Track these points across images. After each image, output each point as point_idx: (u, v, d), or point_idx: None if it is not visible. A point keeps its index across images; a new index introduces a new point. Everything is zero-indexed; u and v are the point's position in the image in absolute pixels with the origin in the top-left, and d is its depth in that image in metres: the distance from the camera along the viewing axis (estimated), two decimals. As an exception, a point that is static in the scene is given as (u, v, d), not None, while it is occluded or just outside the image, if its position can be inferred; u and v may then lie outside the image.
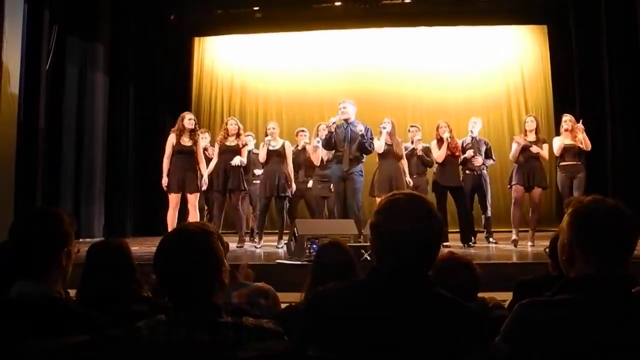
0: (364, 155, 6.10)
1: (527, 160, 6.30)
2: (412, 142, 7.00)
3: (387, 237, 1.37)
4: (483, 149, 6.75)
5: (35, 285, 1.66)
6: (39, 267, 1.68)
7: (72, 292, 2.17)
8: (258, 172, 7.08)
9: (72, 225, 1.79)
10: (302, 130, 6.99)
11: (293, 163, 6.79)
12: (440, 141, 6.57)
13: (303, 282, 3.83)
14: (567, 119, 6.43)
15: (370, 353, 1.27)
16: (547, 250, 2.51)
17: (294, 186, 6.71)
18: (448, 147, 6.46)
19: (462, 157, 6.60)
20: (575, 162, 6.24)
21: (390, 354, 1.26)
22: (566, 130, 6.33)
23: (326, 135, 6.10)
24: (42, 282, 1.67)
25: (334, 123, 6.12)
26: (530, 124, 6.48)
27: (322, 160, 6.53)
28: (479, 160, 6.59)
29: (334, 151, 6.04)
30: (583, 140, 6.20)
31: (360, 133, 5.96)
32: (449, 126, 6.61)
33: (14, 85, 7.01)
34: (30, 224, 1.71)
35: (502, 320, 1.77)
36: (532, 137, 6.40)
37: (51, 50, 7.63)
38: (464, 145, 6.71)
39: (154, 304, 2.25)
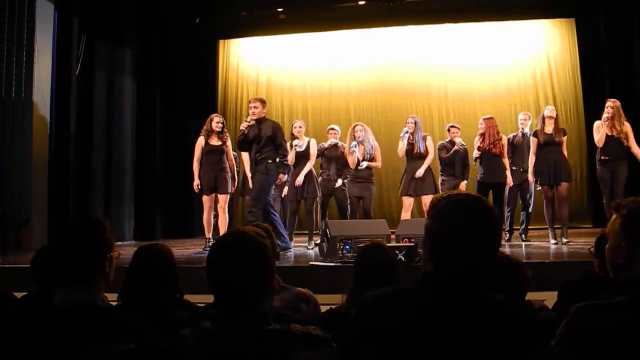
0: (284, 158, 6.05)
1: (549, 154, 6.09)
2: (454, 144, 6.85)
3: (447, 240, 1.31)
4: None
5: (80, 293, 1.66)
6: (83, 275, 1.68)
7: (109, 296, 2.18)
8: None
9: (113, 232, 1.79)
10: (332, 128, 6.91)
11: (324, 160, 6.74)
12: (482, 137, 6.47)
13: (337, 283, 3.84)
14: (609, 104, 5.95)
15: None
16: (593, 249, 2.43)
17: (317, 186, 6.66)
18: (481, 145, 6.39)
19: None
20: (616, 156, 5.88)
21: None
22: (607, 118, 5.88)
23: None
24: (86, 289, 1.68)
25: (356, 146, 6.40)
26: (551, 111, 6.22)
27: (357, 160, 6.49)
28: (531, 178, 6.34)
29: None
30: (628, 138, 5.84)
31: (269, 134, 5.91)
32: (485, 122, 6.50)
33: (45, 92, 7.15)
34: (74, 231, 1.72)
35: (550, 323, 1.72)
36: (550, 128, 6.14)
37: (80, 56, 7.76)
38: (514, 141, 6.57)
39: (195, 310, 2.25)
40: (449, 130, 7.04)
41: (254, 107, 5.96)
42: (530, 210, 6.77)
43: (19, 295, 2.73)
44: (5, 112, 6.72)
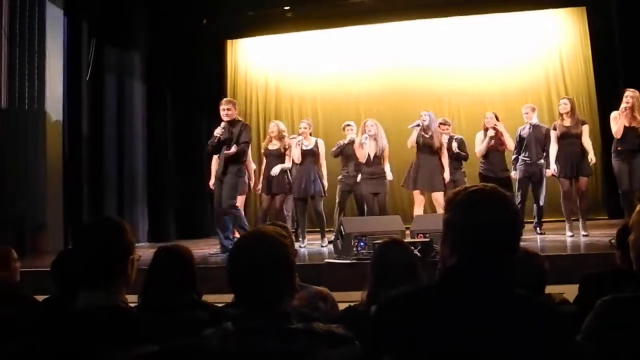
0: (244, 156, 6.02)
1: (568, 147, 6.01)
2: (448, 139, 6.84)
3: (471, 229, 1.30)
4: (542, 136, 6.44)
5: (102, 296, 1.66)
6: (105, 278, 1.68)
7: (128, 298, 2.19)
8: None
9: (133, 234, 1.80)
10: (349, 125, 6.88)
11: (342, 158, 6.73)
12: (486, 132, 6.45)
13: (353, 280, 3.84)
14: (628, 94, 5.80)
15: None
16: (614, 241, 2.40)
17: (326, 183, 6.64)
18: (491, 142, 6.36)
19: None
20: (634, 148, 5.76)
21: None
22: (626, 109, 5.70)
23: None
24: (108, 292, 1.68)
25: (366, 138, 6.34)
26: (564, 107, 6.13)
27: (369, 156, 6.47)
28: (549, 172, 6.29)
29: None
30: None
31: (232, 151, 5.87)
32: (496, 117, 6.46)
33: (57, 97, 7.22)
34: (95, 234, 1.72)
35: (572, 317, 1.70)
36: (568, 121, 6.06)
37: (90, 61, 7.80)
38: (522, 134, 6.49)
39: (214, 311, 2.25)
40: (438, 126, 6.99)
41: (227, 109, 5.90)
42: (542, 203, 6.70)
43: (38, 298, 2.77)
44: (18, 118, 6.78)
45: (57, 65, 7.21)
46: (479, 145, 6.54)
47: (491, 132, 6.44)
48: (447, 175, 6.50)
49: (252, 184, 6.62)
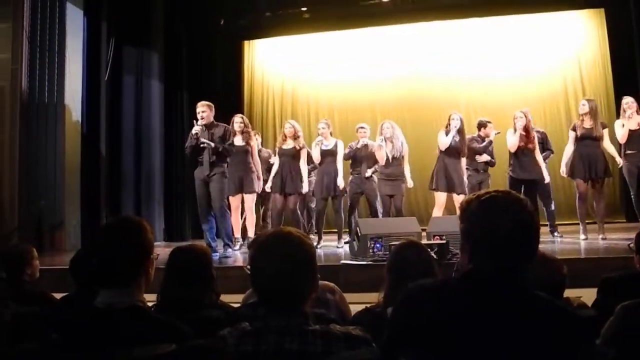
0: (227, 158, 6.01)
1: (585, 148, 5.94)
2: (484, 139, 6.82)
3: (486, 236, 1.29)
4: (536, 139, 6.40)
5: (122, 294, 1.68)
6: (126, 276, 1.69)
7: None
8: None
9: (152, 233, 1.81)
10: (362, 127, 6.84)
11: (354, 159, 6.71)
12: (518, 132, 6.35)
13: (369, 281, 3.83)
14: (628, 101, 5.92)
15: (469, 361, 1.21)
16: (633, 245, 2.38)
17: (342, 182, 6.61)
18: (521, 138, 6.20)
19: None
20: None
21: (491, 363, 1.20)
22: (629, 117, 5.84)
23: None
24: (128, 291, 1.69)
25: (382, 141, 6.39)
26: (582, 108, 6.06)
27: (387, 158, 6.46)
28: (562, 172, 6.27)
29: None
30: None
31: (219, 136, 5.86)
32: (526, 116, 6.28)
33: (76, 97, 7.29)
34: (116, 233, 1.73)
35: (592, 322, 1.68)
36: (588, 122, 5.99)
37: (109, 60, 7.88)
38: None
39: (230, 311, 2.26)
40: (485, 126, 6.93)
41: (202, 111, 5.90)
42: (553, 207, 6.63)
43: (57, 296, 2.80)
44: (38, 117, 6.86)
45: (76, 64, 7.29)
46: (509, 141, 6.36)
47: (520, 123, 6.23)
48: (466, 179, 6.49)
49: (260, 185, 6.61)
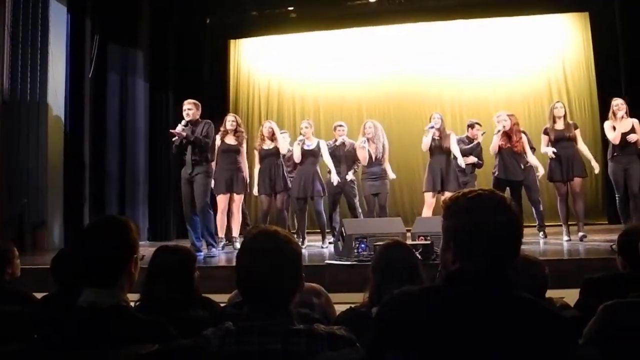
0: (209, 157, 5.99)
1: (562, 150, 6.01)
2: (473, 140, 6.86)
3: (474, 234, 1.29)
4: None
5: (106, 294, 1.66)
6: (110, 276, 1.68)
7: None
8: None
9: (138, 233, 1.79)
10: (340, 125, 6.84)
11: (333, 158, 6.68)
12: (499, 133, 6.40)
13: (354, 282, 3.83)
14: (618, 103, 5.97)
15: (454, 361, 1.21)
16: (615, 246, 2.40)
17: (336, 177, 6.59)
18: (508, 140, 6.25)
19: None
20: (630, 153, 5.84)
21: (476, 363, 1.20)
22: (622, 117, 5.87)
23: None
24: (112, 290, 1.67)
25: (365, 142, 6.39)
26: (560, 110, 6.14)
27: (370, 157, 6.47)
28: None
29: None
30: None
31: (203, 134, 5.85)
32: (511, 118, 6.32)
33: (59, 94, 7.21)
34: (101, 232, 1.72)
35: (575, 322, 1.70)
36: (560, 124, 6.09)
37: (93, 58, 7.80)
38: None
39: (214, 311, 2.25)
40: (473, 127, 6.98)
41: (188, 109, 5.90)
42: (541, 207, 6.71)
43: (37, 295, 2.76)
44: (20, 114, 6.78)
45: (59, 62, 7.21)
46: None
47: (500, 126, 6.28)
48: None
49: (248, 184, 6.59)
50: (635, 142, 5.85)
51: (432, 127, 6.39)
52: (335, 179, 6.51)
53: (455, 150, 6.45)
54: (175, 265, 2.27)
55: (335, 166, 6.66)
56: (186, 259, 2.33)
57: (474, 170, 6.93)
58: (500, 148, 6.25)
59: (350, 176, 6.64)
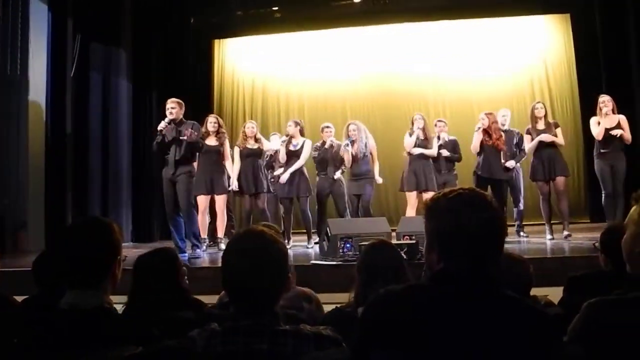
0: (195, 156, 6.00)
1: (544, 150, 6.08)
2: (439, 139, 6.75)
3: (457, 234, 1.29)
4: (515, 140, 6.59)
5: (89, 296, 1.64)
6: (93, 277, 1.66)
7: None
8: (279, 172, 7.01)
9: (120, 234, 1.78)
10: (328, 127, 6.84)
11: (320, 160, 6.69)
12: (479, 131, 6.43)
13: (339, 282, 3.83)
14: (605, 99, 6.01)
15: (440, 360, 1.21)
16: (598, 244, 2.42)
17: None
18: (489, 138, 6.29)
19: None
20: (616, 150, 5.90)
21: (462, 362, 1.20)
22: (606, 114, 5.93)
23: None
24: (94, 292, 1.65)
25: (348, 145, 6.38)
26: (540, 111, 6.23)
27: (353, 157, 6.48)
28: (511, 163, 6.44)
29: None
30: (624, 133, 5.88)
31: (188, 133, 5.81)
32: (489, 117, 6.37)
33: (40, 93, 7.11)
34: (83, 233, 1.70)
35: (559, 319, 1.71)
36: (541, 124, 6.15)
37: (75, 57, 7.71)
38: None
39: (201, 311, 2.23)
40: (435, 125, 6.96)
41: (172, 107, 5.85)
42: (521, 206, 6.77)
43: (18, 299, 2.72)
44: (1, 114, 6.67)
45: (40, 61, 7.11)
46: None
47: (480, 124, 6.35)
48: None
49: (232, 185, 6.56)
50: (621, 138, 5.90)
51: (419, 129, 6.45)
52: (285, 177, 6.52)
53: (435, 147, 6.52)
54: (159, 265, 2.25)
55: (323, 168, 6.68)
56: (169, 259, 2.31)
57: (451, 167, 6.90)
58: (482, 146, 6.30)
59: (337, 175, 6.63)
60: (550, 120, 6.44)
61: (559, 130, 6.20)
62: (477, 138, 6.31)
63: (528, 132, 6.25)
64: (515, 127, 6.88)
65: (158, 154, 6.11)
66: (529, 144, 6.24)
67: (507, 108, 7.12)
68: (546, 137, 6.07)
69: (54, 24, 7.36)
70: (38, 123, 7.14)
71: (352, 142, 6.51)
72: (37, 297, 2.47)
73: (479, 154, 6.39)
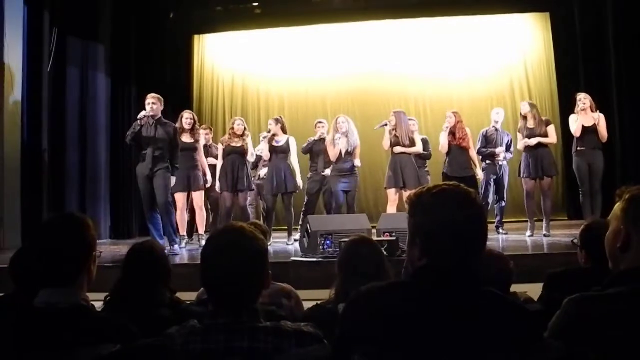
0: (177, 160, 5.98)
1: (534, 147, 6.12)
2: None
3: (441, 230, 1.28)
4: (505, 140, 6.72)
5: (64, 294, 1.60)
6: (68, 275, 1.62)
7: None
8: (264, 171, 7.00)
9: (95, 230, 1.74)
10: (321, 122, 6.91)
11: (312, 154, 6.70)
12: (447, 130, 6.52)
13: (319, 278, 3.82)
14: (582, 97, 6.09)
15: (422, 357, 1.21)
16: (577, 241, 2.44)
17: (300, 181, 6.63)
18: (454, 138, 6.44)
19: (488, 151, 6.60)
20: (594, 148, 5.97)
21: (444, 358, 1.20)
22: (583, 110, 6.01)
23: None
24: (70, 290, 1.62)
25: (339, 138, 6.35)
26: (524, 108, 6.31)
27: (340, 153, 6.44)
28: (501, 157, 6.58)
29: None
30: (600, 130, 5.96)
31: (168, 135, 5.84)
32: (455, 116, 6.54)
33: (16, 88, 6.98)
34: (57, 230, 1.66)
35: (539, 316, 1.72)
36: (531, 122, 6.19)
37: (52, 51, 7.57)
38: (488, 135, 6.67)
39: (178, 309, 2.21)
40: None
41: (153, 102, 5.81)
42: (504, 203, 6.84)
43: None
44: (-25, 110, 6.54)
45: (16, 55, 6.96)
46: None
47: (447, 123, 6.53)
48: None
49: (208, 180, 6.53)
50: (598, 136, 5.96)
51: (385, 125, 6.46)
52: (299, 182, 6.60)
53: (419, 145, 6.53)
54: (149, 263, 2.23)
55: (314, 161, 6.73)
56: (159, 256, 2.30)
57: (424, 165, 6.97)
58: (449, 145, 6.46)
59: (327, 172, 6.62)
60: (544, 118, 6.47)
61: (550, 128, 6.21)
62: (445, 138, 6.48)
63: (519, 131, 6.30)
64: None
65: (131, 144, 6.02)
66: (520, 142, 6.27)
67: (500, 107, 7.20)
68: (532, 142, 6.10)
69: (29, 17, 7.22)
70: (14, 118, 7.00)
71: (345, 134, 6.46)
72: (13, 296, 2.42)
73: (447, 153, 6.52)
